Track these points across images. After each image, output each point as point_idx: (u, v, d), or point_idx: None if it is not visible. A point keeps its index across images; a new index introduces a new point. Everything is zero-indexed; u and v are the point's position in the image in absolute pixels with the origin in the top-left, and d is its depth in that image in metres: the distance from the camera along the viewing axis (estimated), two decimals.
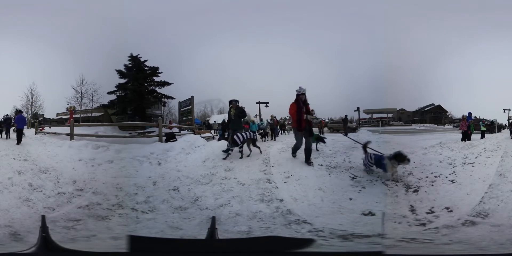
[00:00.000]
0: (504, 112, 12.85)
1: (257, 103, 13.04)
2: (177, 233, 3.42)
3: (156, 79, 13.52)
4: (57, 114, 14.46)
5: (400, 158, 4.89)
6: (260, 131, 10.29)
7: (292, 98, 6.02)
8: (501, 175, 4.78)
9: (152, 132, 10.94)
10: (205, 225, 3.36)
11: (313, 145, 6.94)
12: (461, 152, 6.40)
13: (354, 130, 12.62)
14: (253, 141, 7.03)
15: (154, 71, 13.36)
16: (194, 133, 10.58)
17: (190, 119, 12.41)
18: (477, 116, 12.85)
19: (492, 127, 12.57)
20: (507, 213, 3.67)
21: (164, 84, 13.55)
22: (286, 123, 13.88)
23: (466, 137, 9.29)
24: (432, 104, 16.21)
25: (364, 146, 5.67)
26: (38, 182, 5.06)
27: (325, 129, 13.30)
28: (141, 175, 5.61)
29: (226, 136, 7.14)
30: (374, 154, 5.33)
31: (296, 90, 6.22)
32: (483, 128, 10.56)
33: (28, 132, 11.30)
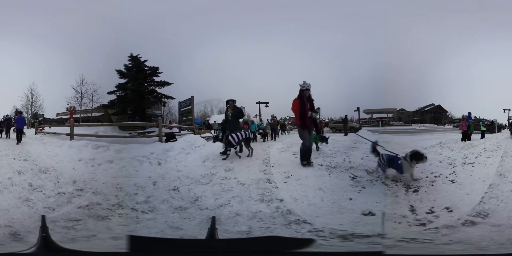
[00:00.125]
0: (504, 112, 12.85)
1: (257, 103, 13.04)
2: (177, 233, 3.42)
3: (156, 79, 13.53)
4: (57, 114, 14.46)
5: (418, 157, 4.76)
6: (260, 131, 10.28)
7: (293, 97, 5.82)
8: (501, 175, 4.78)
9: (152, 132, 10.94)
10: (205, 225, 3.36)
11: (313, 145, 6.85)
12: (461, 152, 6.40)
13: (357, 130, 12.60)
14: (246, 141, 6.82)
15: (154, 71, 13.36)
16: (194, 133, 10.58)
17: (190, 119, 12.42)
18: (477, 116, 12.85)
19: (492, 127, 12.56)
20: (507, 213, 3.67)
21: (164, 84, 13.56)
22: (286, 123, 13.88)
23: (466, 137, 9.29)
24: (432, 104, 16.20)
25: (374, 147, 5.40)
26: (38, 182, 5.06)
27: (326, 129, 13.29)
28: (141, 175, 5.61)
29: (220, 137, 6.95)
30: (386, 154, 5.14)
31: (300, 85, 5.85)
32: (483, 128, 10.56)
33: (28, 132, 11.31)
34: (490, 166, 5.26)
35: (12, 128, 10.68)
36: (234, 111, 7.28)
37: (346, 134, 11.45)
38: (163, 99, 13.95)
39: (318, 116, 6.58)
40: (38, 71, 13.21)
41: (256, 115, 13.02)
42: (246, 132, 7.01)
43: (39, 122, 13.34)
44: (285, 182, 5.02)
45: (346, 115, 12.75)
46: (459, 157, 5.96)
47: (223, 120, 8.63)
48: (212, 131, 13.14)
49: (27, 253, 2.28)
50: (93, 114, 13.85)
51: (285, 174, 5.36)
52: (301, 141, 5.82)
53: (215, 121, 14.99)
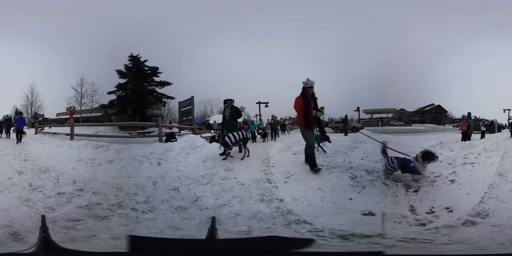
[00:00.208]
0: (504, 112, 12.85)
1: (257, 103, 13.05)
2: (177, 233, 3.42)
3: (156, 79, 13.53)
4: (57, 114, 14.46)
5: (429, 156, 4.72)
6: (260, 131, 10.29)
7: (293, 97, 5.64)
8: (501, 175, 4.78)
9: (152, 132, 10.94)
10: (205, 225, 3.36)
11: (316, 146, 6.76)
12: (461, 152, 6.40)
13: (358, 130, 12.58)
14: (244, 141, 6.69)
15: (154, 71, 13.36)
16: (194, 133, 10.58)
17: (190, 119, 12.42)
18: (477, 116, 12.85)
19: (492, 127, 12.56)
20: (507, 213, 3.67)
21: (164, 84, 13.56)
22: (286, 123, 13.88)
23: (466, 137, 9.29)
24: (432, 104, 16.20)
25: (384, 148, 5.23)
26: (38, 182, 5.06)
27: (326, 129, 13.27)
28: (141, 175, 5.61)
29: (217, 138, 6.80)
30: (396, 157, 4.96)
31: (303, 82, 5.58)
32: (483, 128, 10.56)
33: (28, 132, 11.33)
34: (490, 166, 5.26)
35: (12, 128, 10.70)
36: (232, 110, 7.18)
37: (346, 134, 11.45)
38: (163, 99, 13.95)
39: (322, 116, 6.28)
40: (38, 71, 13.22)
41: (256, 115, 13.03)
42: (243, 132, 6.86)
43: (39, 122, 13.34)
44: (285, 182, 5.02)
45: (346, 115, 12.75)
46: (459, 157, 5.96)
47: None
48: (212, 131, 13.14)
49: (27, 253, 2.28)
50: (93, 114, 13.86)
51: (285, 174, 5.36)
52: (301, 142, 5.72)
53: (215, 121, 15.00)
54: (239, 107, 14.03)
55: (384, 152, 5.21)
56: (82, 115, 13.57)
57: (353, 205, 4.22)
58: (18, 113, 11.66)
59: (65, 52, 12.89)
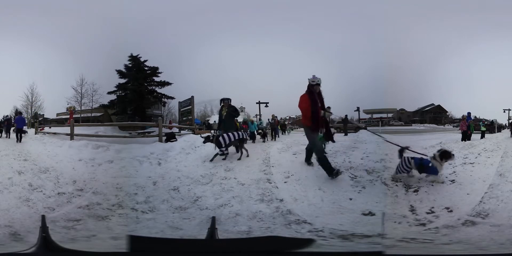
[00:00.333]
0: (504, 112, 12.85)
1: (257, 103, 13.05)
2: (177, 233, 3.42)
3: (156, 79, 13.53)
4: (57, 114, 14.46)
5: (447, 155, 4.74)
6: (260, 131, 10.28)
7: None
8: (501, 175, 4.78)
9: (152, 132, 10.95)
10: (205, 225, 3.36)
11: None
12: (461, 152, 6.40)
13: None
14: (241, 142, 6.50)
15: (154, 71, 13.37)
16: (194, 133, 10.58)
17: (190, 119, 12.42)
18: (477, 116, 12.85)
19: (492, 127, 12.57)
20: (507, 213, 3.67)
21: (164, 84, 13.57)
22: (286, 123, 13.88)
23: (466, 137, 9.30)
24: (432, 104, 16.20)
25: (402, 150, 5.12)
26: (38, 182, 5.06)
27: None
28: (141, 175, 5.61)
29: (211, 138, 6.52)
30: (412, 157, 4.93)
31: (309, 79, 5.15)
32: (483, 128, 10.57)
33: (28, 132, 11.35)
34: (490, 166, 5.26)
35: (12, 128, 10.72)
36: (229, 110, 7.06)
37: (346, 134, 11.45)
38: (163, 99, 13.96)
39: (330, 117, 5.82)
40: (38, 71, 13.22)
41: (256, 115, 13.03)
42: (240, 133, 6.69)
43: (39, 122, 13.34)
44: (285, 182, 5.02)
45: (346, 115, 12.74)
46: (459, 157, 5.95)
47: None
48: (212, 131, 13.15)
49: (27, 253, 2.28)
50: (93, 114, 13.86)
51: (285, 174, 5.36)
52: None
53: (215, 121, 14.96)
54: (239, 107, 14.02)
55: (400, 153, 5.12)
56: (82, 115, 13.57)
57: (353, 205, 4.22)
58: (17, 113, 11.68)
59: (65, 52, 12.90)
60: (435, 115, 16.24)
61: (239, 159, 6.38)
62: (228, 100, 7.23)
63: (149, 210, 4.21)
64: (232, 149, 6.63)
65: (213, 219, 3.05)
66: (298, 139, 9.68)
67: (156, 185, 5.14)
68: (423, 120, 16.20)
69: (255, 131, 9.96)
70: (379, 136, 6.11)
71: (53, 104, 14.06)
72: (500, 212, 3.72)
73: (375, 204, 4.21)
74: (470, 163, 5.49)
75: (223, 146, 6.30)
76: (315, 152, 5.23)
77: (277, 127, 11.23)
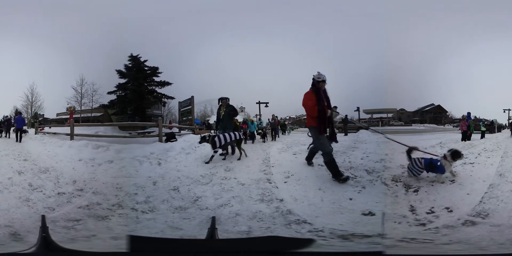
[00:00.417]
0: (504, 112, 12.85)
1: (257, 103, 13.04)
2: (177, 233, 3.42)
3: (156, 79, 13.52)
4: (57, 114, 14.45)
5: (457, 155, 4.81)
6: (260, 131, 10.27)
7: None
8: (501, 175, 4.78)
9: (152, 132, 10.94)
10: (205, 225, 3.36)
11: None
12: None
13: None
14: (238, 142, 6.41)
15: (154, 71, 13.36)
16: (194, 133, 10.58)
17: (190, 119, 12.42)
18: (477, 116, 12.85)
19: (492, 127, 12.57)
20: (507, 213, 3.67)
21: (164, 84, 13.56)
22: (286, 123, 13.88)
23: (466, 137, 9.30)
24: (432, 104, 16.20)
25: (409, 151, 5.13)
26: (38, 182, 5.06)
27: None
28: (141, 175, 5.61)
29: (207, 138, 6.41)
30: (422, 158, 4.96)
31: (314, 76, 4.86)
32: (483, 128, 10.57)
33: (29, 132, 11.38)
34: (490, 166, 5.26)
35: (12, 128, 10.76)
36: (227, 109, 6.99)
37: (346, 134, 11.44)
38: (163, 99, 13.95)
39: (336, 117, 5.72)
40: (38, 71, 13.20)
41: (256, 115, 13.03)
42: (236, 133, 6.56)
43: (39, 122, 13.34)
44: (285, 182, 5.02)
45: (346, 115, 12.72)
46: None
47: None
48: (212, 131, 13.15)
49: (27, 253, 2.28)
50: (93, 114, 13.85)
51: (285, 174, 5.36)
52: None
53: (214, 121, 14.99)
54: (239, 107, 14.01)
55: (408, 154, 5.11)
56: (82, 115, 13.57)
57: (353, 205, 4.22)
58: (17, 113, 11.71)
59: (65, 52, 12.88)
60: (435, 115, 16.24)
61: (239, 159, 6.37)
62: (226, 99, 7.17)
63: (149, 210, 4.21)
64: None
65: (213, 219, 3.05)
66: (298, 139, 9.71)
67: (156, 185, 5.14)
68: (423, 120, 16.20)
69: (255, 131, 9.94)
70: (387, 137, 5.92)
71: (53, 104, 14.05)
72: (500, 212, 3.71)
73: (375, 204, 4.21)
74: (470, 163, 5.49)
75: (218, 146, 6.24)
76: (324, 155, 4.90)
77: (277, 127, 11.23)
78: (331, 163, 4.86)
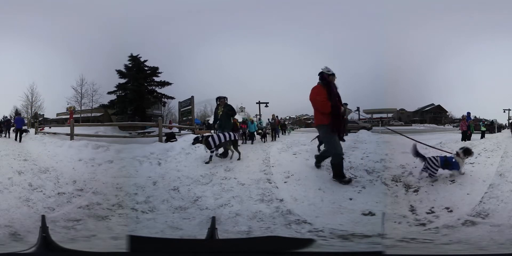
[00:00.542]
0: (504, 112, 12.85)
1: (257, 103, 13.05)
2: (177, 233, 3.42)
3: (156, 79, 13.55)
4: (57, 114, 14.47)
5: (469, 152, 4.92)
6: (260, 131, 10.26)
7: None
8: (501, 175, 4.78)
9: (152, 132, 10.95)
10: (205, 225, 3.35)
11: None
12: None
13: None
14: (234, 143, 6.31)
15: (154, 71, 13.38)
16: (194, 133, 10.59)
17: (190, 119, 12.43)
18: (477, 116, 12.86)
19: (492, 127, 12.57)
20: (507, 213, 3.66)
21: (164, 84, 13.58)
22: (286, 123, 13.88)
23: (466, 137, 9.30)
24: (432, 104, 16.21)
25: (416, 150, 5.00)
26: (38, 182, 5.06)
27: None
28: (141, 175, 5.61)
29: (200, 139, 6.31)
30: (438, 156, 4.96)
31: (324, 69, 4.46)
32: (483, 128, 10.58)
33: (30, 131, 11.40)
34: (490, 166, 5.26)
35: (12, 128, 10.81)
36: (225, 108, 6.90)
37: (346, 134, 11.41)
38: (163, 99, 13.97)
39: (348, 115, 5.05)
40: (38, 71, 13.22)
41: (256, 115, 13.03)
42: (231, 133, 6.41)
43: (39, 122, 13.35)
44: (285, 182, 5.02)
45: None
46: None
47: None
48: (212, 131, 13.14)
49: (27, 253, 2.27)
50: (93, 114, 13.87)
51: (285, 174, 5.36)
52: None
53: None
54: (239, 107, 14.01)
55: (418, 155, 5.00)
56: (82, 115, 13.57)
57: (353, 205, 4.21)
58: (17, 113, 11.75)
59: (65, 52, 12.91)
60: (435, 115, 16.25)
61: (239, 159, 6.37)
62: (225, 98, 7.08)
63: (149, 210, 4.20)
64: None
65: (213, 219, 3.05)
66: (298, 139, 9.69)
67: (156, 185, 5.14)
68: (423, 120, 16.21)
69: (255, 131, 9.90)
70: (408, 137, 5.73)
71: (53, 104, 14.08)
72: (500, 212, 3.71)
73: (375, 204, 4.21)
74: (470, 163, 5.49)
75: (213, 147, 6.17)
76: (333, 156, 4.57)
77: (277, 127, 11.23)
78: (338, 165, 4.67)
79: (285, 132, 12.62)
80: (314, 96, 4.34)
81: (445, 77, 13.49)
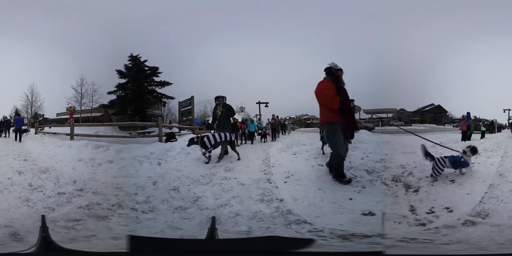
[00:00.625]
0: (504, 112, 12.85)
1: (257, 103, 13.05)
2: (177, 233, 3.42)
3: (156, 79, 13.54)
4: (57, 114, 14.47)
5: (476, 150, 5.03)
6: (260, 132, 10.25)
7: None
8: (501, 175, 4.78)
9: (152, 132, 10.95)
10: (205, 225, 3.36)
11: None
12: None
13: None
14: (230, 144, 6.22)
15: (154, 71, 13.37)
16: (194, 133, 10.59)
17: (190, 119, 12.43)
18: (477, 116, 12.86)
19: (492, 127, 12.58)
20: (507, 213, 3.67)
21: (164, 84, 13.58)
22: (286, 123, 13.88)
23: (466, 137, 9.30)
24: (432, 104, 16.21)
25: (426, 151, 5.03)
26: (38, 182, 5.06)
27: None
28: (141, 175, 5.61)
29: (195, 140, 6.22)
30: (446, 156, 5.00)
31: (331, 64, 4.30)
32: (483, 128, 10.58)
33: (30, 131, 11.42)
34: (490, 166, 5.26)
35: (12, 129, 10.85)
36: (224, 108, 6.85)
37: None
38: (163, 99, 13.96)
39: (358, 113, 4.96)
40: (38, 71, 13.22)
41: (256, 115, 13.03)
42: (227, 133, 6.31)
43: (39, 122, 13.35)
44: (285, 182, 5.02)
45: None
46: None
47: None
48: (212, 131, 13.13)
49: (27, 253, 2.27)
50: (93, 114, 13.86)
51: (285, 174, 5.36)
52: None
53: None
54: (239, 107, 13.99)
55: (428, 155, 5.03)
56: (82, 115, 13.57)
57: (353, 205, 4.21)
58: (16, 113, 11.78)
59: (65, 52, 12.90)
60: (435, 115, 16.25)
61: (239, 159, 6.37)
62: (223, 98, 7.03)
63: (149, 210, 4.21)
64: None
65: (213, 219, 3.05)
66: (298, 139, 9.69)
67: (156, 185, 5.14)
68: (423, 120, 16.21)
69: (255, 132, 9.87)
70: (421, 137, 5.72)
71: (53, 104, 14.07)
72: (500, 212, 3.71)
73: (375, 204, 4.21)
74: (470, 163, 5.49)
75: (210, 147, 6.12)
76: (334, 156, 4.46)
77: (277, 127, 11.23)
78: (339, 166, 4.60)
79: (285, 132, 12.62)
80: (320, 90, 4.11)
81: (445, 77, 13.49)
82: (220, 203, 4.34)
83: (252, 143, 9.31)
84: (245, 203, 4.32)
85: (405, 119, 16.23)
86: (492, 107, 12.96)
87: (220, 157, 6.33)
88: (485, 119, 12.47)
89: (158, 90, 13.69)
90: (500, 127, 12.85)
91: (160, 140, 8.57)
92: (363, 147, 7.66)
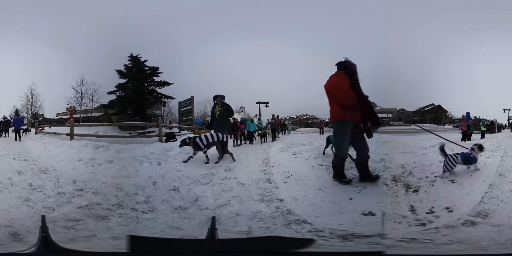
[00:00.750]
0: (504, 112, 12.85)
1: (257, 103, 13.05)
2: (177, 233, 3.42)
3: (156, 79, 13.53)
4: (57, 114, 14.45)
5: (482, 147, 5.20)
6: (259, 132, 10.24)
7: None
8: (501, 175, 4.78)
9: (152, 132, 10.95)
10: (205, 225, 3.36)
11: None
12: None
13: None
14: (222, 145, 6.10)
15: (154, 71, 13.36)
16: (194, 133, 10.58)
17: (190, 119, 12.43)
18: (477, 116, 12.86)
19: (492, 127, 12.57)
20: (507, 213, 3.67)
21: (164, 84, 13.56)
22: (286, 123, 13.88)
23: (466, 137, 9.30)
24: (432, 104, 16.19)
25: (442, 147, 5.17)
26: (38, 182, 5.06)
27: (326, 129, 13.26)
28: (141, 175, 5.61)
29: (187, 141, 6.15)
30: (458, 154, 5.12)
31: (346, 58, 4.06)
32: (483, 128, 10.58)
33: (30, 131, 11.44)
34: (490, 166, 5.26)
35: (11, 129, 10.88)
36: (222, 108, 6.79)
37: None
38: (163, 99, 13.95)
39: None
40: (38, 71, 13.20)
41: (256, 115, 13.03)
42: (220, 134, 6.22)
43: (39, 122, 13.35)
44: (285, 182, 5.02)
45: None
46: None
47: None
48: (212, 131, 13.13)
49: (27, 253, 2.28)
50: (93, 114, 13.85)
51: (285, 174, 5.36)
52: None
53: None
54: (239, 107, 14.00)
55: (443, 150, 5.18)
56: (82, 115, 13.57)
57: (353, 205, 4.22)
58: (16, 113, 11.80)
59: (65, 52, 12.87)
60: (435, 115, 16.24)
61: (234, 160, 6.30)
62: (222, 97, 6.97)
63: (149, 210, 4.21)
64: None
65: (213, 219, 3.05)
66: (298, 139, 9.70)
67: (156, 185, 5.14)
68: (423, 120, 16.20)
69: (255, 132, 9.82)
70: (437, 135, 5.73)
71: (53, 104, 14.04)
72: (500, 212, 3.71)
73: (375, 204, 4.21)
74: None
75: (203, 147, 6.07)
76: (336, 156, 4.42)
77: (277, 127, 11.23)
78: (338, 166, 4.63)
79: (285, 132, 12.62)
80: (334, 84, 3.79)
81: (445, 77, 13.47)
82: (220, 203, 4.35)
83: (251, 143, 9.30)
84: (245, 203, 4.32)
85: (405, 119, 16.23)
86: (492, 107, 12.95)
87: (220, 157, 6.33)
88: (485, 119, 12.46)
89: (158, 90, 13.68)
90: (500, 127, 12.85)
91: (160, 140, 8.56)
92: None
